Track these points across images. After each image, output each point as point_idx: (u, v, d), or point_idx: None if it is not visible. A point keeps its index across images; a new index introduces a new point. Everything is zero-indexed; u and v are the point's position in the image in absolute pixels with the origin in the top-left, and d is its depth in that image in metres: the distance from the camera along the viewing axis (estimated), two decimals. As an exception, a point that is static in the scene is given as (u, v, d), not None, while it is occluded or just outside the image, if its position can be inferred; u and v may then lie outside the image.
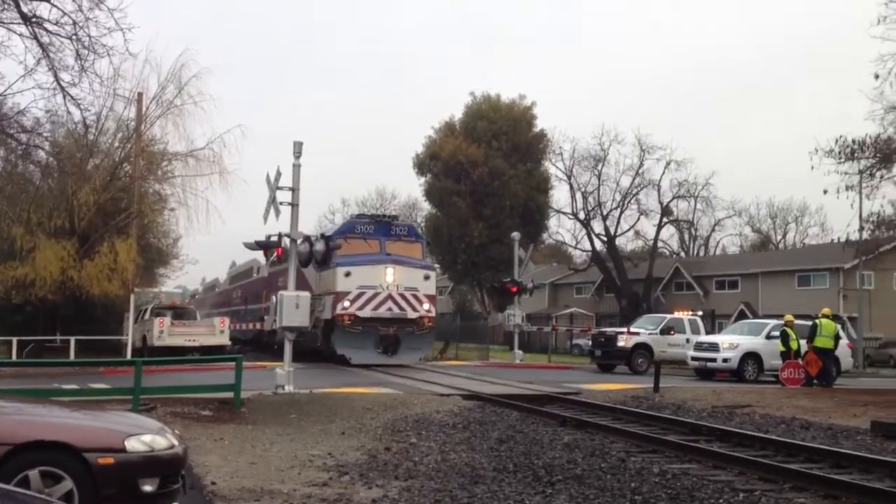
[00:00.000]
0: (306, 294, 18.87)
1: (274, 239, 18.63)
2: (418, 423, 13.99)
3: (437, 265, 46.78)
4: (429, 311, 27.46)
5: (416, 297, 27.20)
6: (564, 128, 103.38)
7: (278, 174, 18.21)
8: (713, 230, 75.25)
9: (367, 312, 26.65)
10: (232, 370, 15.80)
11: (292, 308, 18.03)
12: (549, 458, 10.75)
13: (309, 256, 19.16)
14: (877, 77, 23.56)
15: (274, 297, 19.09)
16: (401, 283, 26.92)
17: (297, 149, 18.40)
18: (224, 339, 32.09)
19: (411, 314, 27.19)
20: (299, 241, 18.78)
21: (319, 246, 19.55)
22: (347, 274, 26.54)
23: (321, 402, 16.02)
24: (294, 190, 18.31)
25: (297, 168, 18.40)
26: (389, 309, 26.87)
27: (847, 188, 24.62)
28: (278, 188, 18.21)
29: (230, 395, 15.29)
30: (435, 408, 15.79)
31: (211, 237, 31.94)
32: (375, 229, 28.29)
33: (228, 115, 71.65)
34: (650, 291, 59.05)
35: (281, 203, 18.21)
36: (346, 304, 26.49)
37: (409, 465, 10.12)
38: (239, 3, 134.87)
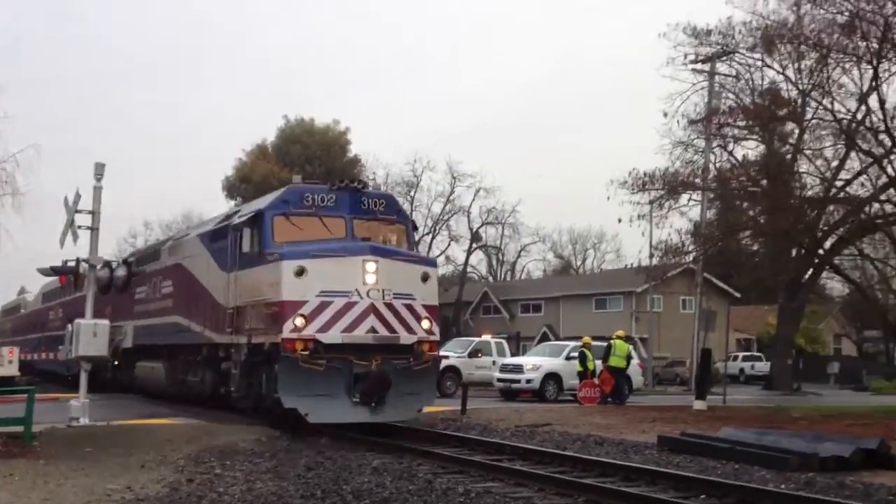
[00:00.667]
0: (105, 322, 17.97)
1: (71, 264, 17.75)
2: (223, 452, 13.68)
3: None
4: (431, 331, 16.76)
5: (411, 309, 16.45)
6: (378, 153, 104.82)
7: (77, 196, 17.31)
8: (519, 255, 78.37)
9: (334, 335, 15.74)
10: (22, 403, 14.91)
11: (90, 336, 17.12)
12: (358, 483, 10.84)
13: (109, 283, 18.40)
14: (665, 115, 25.58)
15: (70, 326, 17.89)
16: (388, 286, 16.18)
17: (99, 170, 17.53)
18: (13, 370, 29.99)
19: (406, 337, 16.29)
20: (99, 267, 17.98)
21: (121, 272, 18.90)
22: (300, 272, 15.78)
23: (120, 435, 15.33)
24: (94, 213, 17.39)
25: (98, 190, 17.48)
26: (372, 329, 15.94)
27: (639, 217, 26.34)
28: (77, 211, 17.35)
29: (20, 429, 14.40)
30: (241, 436, 15.49)
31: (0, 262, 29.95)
32: (337, 201, 17.21)
33: (32, 136, 67.33)
34: (460, 315, 60.56)
35: (80, 227, 17.36)
36: (299, 321, 15.62)
37: (212, 497, 9.92)
38: (36, 21, 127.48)
